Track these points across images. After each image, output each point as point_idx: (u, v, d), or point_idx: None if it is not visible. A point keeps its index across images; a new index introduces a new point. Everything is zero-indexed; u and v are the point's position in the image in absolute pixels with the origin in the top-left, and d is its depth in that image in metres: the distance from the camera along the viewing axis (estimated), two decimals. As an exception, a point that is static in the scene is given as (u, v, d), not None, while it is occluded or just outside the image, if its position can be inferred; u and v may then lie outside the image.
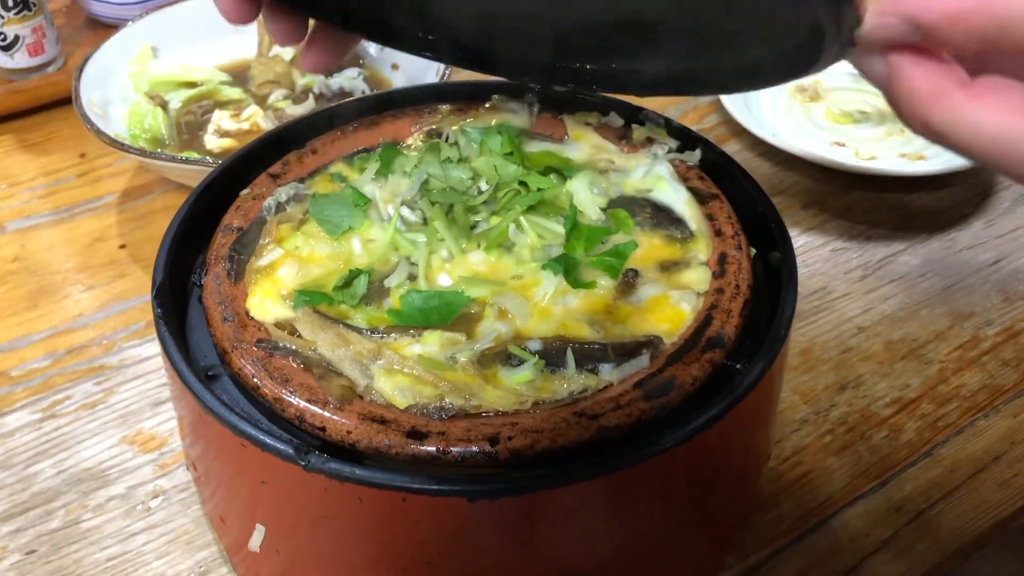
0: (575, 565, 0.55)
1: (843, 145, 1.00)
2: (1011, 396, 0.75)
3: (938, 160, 0.97)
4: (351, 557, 0.55)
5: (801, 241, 0.91)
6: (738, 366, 0.59)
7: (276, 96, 0.99)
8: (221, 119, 0.95)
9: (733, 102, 1.02)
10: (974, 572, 0.67)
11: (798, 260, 0.88)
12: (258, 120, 0.95)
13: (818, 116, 1.05)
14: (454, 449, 0.53)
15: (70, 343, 0.81)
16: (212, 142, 0.94)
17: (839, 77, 1.10)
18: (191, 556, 0.65)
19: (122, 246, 0.91)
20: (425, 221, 0.67)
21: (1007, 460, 0.71)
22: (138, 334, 0.82)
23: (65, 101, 1.09)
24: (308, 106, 0.97)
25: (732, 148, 1.04)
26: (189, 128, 0.96)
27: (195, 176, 0.85)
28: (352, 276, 0.62)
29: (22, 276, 0.88)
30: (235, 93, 1.01)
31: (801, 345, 0.80)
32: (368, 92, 1.01)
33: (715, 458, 0.58)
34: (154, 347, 0.81)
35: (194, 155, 0.89)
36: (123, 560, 0.65)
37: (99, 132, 0.84)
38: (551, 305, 0.61)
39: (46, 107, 1.09)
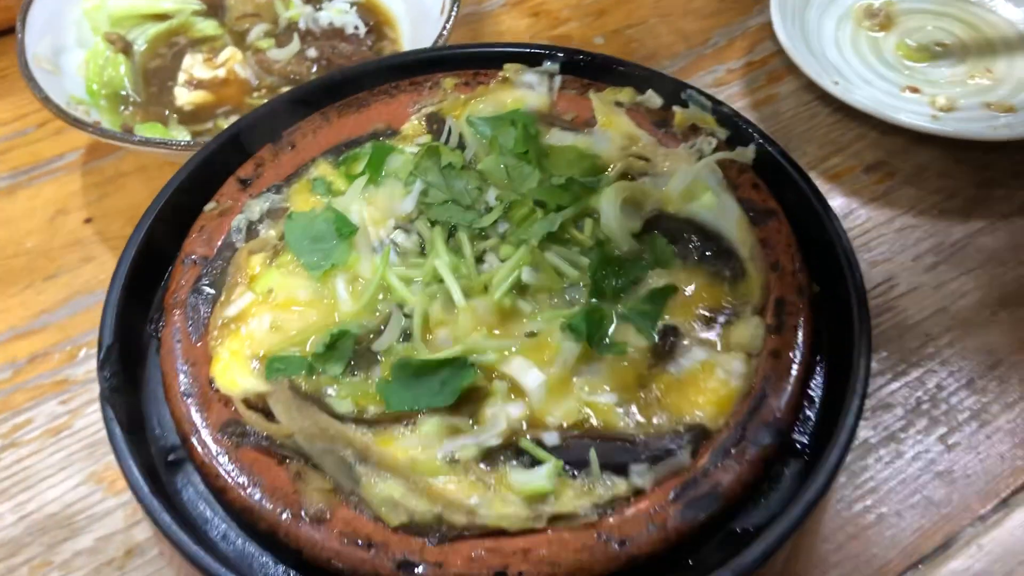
0: None
1: (917, 91, 0.86)
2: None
3: (1029, 113, 0.82)
4: None
5: (862, 217, 0.79)
6: (799, 447, 0.49)
7: (256, 33, 0.86)
8: (193, 66, 0.82)
9: (788, 31, 0.87)
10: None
11: (861, 242, 0.78)
12: (236, 67, 0.82)
13: (888, 50, 0.90)
14: (454, 585, 0.44)
15: (32, 348, 0.73)
16: (183, 96, 0.81)
17: (915, -3, 0.94)
18: (170, 630, 0.58)
19: (88, 220, 0.81)
20: (423, 249, 0.56)
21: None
22: (106, 337, 0.73)
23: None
24: (293, 48, 0.84)
25: (788, 88, 0.90)
26: (157, 77, 0.83)
27: (162, 153, 0.73)
28: (335, 338, 0.52)
29: (-24, 259, 0.79)
30: (210, 28, 0.87)
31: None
32: (361, 26, 0.87)
33: (770, 572, 0.49)
34: (125, 354, 0.72)
35: (159, 129, 0.76)
36: (95, 635, 0.58)
37: (47, 101, 0.72)
38: (572, 377, 0.51)
39: (-1, 36, 0.95)
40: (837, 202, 0.80)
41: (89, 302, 0.75)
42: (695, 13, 0.98)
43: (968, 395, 0.68)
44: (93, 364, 0.71)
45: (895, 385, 0.68)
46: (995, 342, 0.70)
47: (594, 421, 0.49)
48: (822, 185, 0.79)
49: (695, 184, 0.59)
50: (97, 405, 0.68)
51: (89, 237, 0.80)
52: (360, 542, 0.45)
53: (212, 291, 0.55)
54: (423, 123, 0.64)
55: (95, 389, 0.69)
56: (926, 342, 0.71)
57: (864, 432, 0.66)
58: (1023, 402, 0.67)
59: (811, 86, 0.88)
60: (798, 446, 0.50)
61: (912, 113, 0.82)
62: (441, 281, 0.54)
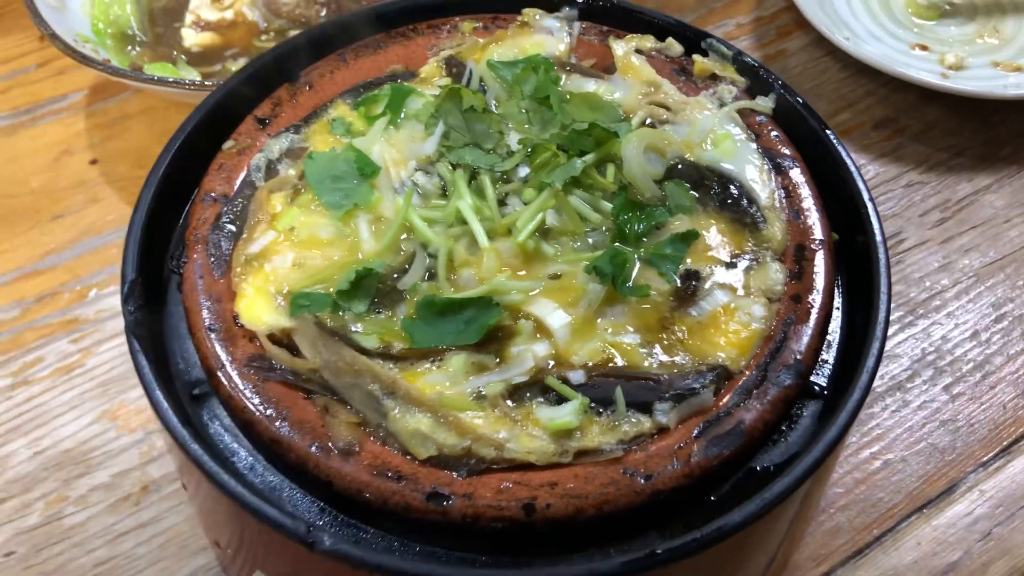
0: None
1: (926, 48, 0.86)
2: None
3: (1037, 72, 0.83)
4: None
5: (872, 172, 0.80)
6: (818, 388, 0.50)
7: (265, -28, 0.84)
8: (200, 6, 0.81)
9: (800, -14, 0.87)
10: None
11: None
12: (244, 8, 0.81)
13: (898, 8, 0.90)
14: (483, 516, 0.45)
15: (39, 288, 0.72)
16: (190, 37, 0.80)
17: (925, -46, 0.94)
18: (186, 564, 0.59)
19: (93, 161, 0.80)
20: (444, 191, 0.56)
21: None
22: (115, 279, 0.73)
23: (18, -36, 0.94)
24: (304, -11, 0.82)
25: (797, 43, 0.90)
26: (163, 17, 0.82)
27: (172, 92, 0.72)
28: (360, 276, 0.52)
29: (-19, 199, 0.78)
30: (216, -33, 0.86)
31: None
32: (374, -31, 0.86)
33: (787, 512, 0.50)
34: (135, 295, 0.72)
35: (168, 68, 0.75)
36: (112, 566, 0.59)
37: (55, 38, 0.71)
38: (596, 318, 0.51)
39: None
40: (845, 157, 0.80)
41: (96, 243, 0.75)
42: (705, -34, 0.98)
43: (972, 347, 0.69)
44: (103, 304, 0.71)
45: (901, 336, 0.70)
46: (999, 296, 0.72)
47: (618, 361, 0.50)
48: (831, 140, 0.80)
49: (716, 132, 0.60)
50: (109, 344, 0.69)
51: (95, 179, 0.79)
52: (390, 474, 0.46)
53: (233, 228, 0.55)
54: (442, 66, 0.64)
55: (106, 329, 0.70)
56: (932, 295, 0.72)
57: (871, 381, 0.67)
58: (1020, 354, 0.69)
59: (821, 41, 0.88)
60: (817, 388, 0.51)
61: (921, 70, 0.83)
62: (464, 223, 0.54)
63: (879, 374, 0.68)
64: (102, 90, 0.85)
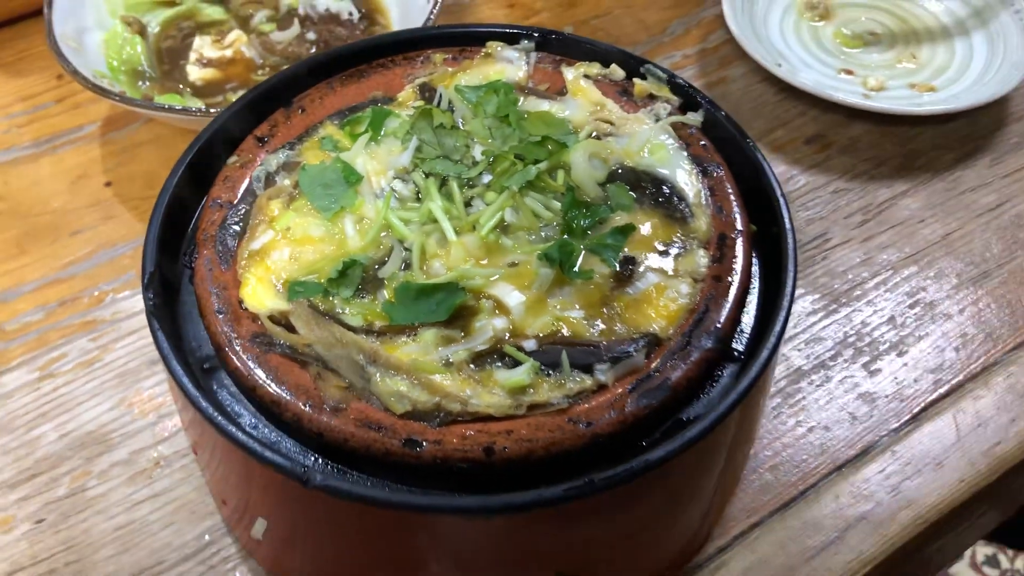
0: (568, 566, 0.57)
1: (851, 73, 0.97)
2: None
3: (947, 92, 0.93)
4: (352, 555, 0.57)
5: (802, 181, 0.89)
6: (736, 353, 0.59)
7: (260, 18, 0.95)
8: (203, 46, 0.91)
9: (738, 21, 0.98)
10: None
11: (799, 203, 0.88)
12: (242, 47, 0.91)
13: (827, 38, 1.01)
14: (450, 459, 0.53)
15: (61, 294, 0.81)
16: (194, 73, 0.90)
17: (851, -9, 1.05)
18: (196, 525, 0.67)
19: (108, 183, 0.89)
20: (418, 196, 0.66)
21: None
22: (129, 284, 0.82)
23: (35, 14, 1.04)
24: (293, 31, 0.93)
25: (737, 71, 1.00)
26: (170, 56, 0.92)
27: (179, 119, 0.82)
28: (346, 266, 0.61)
29: (8, 218, 0.87)
30: (216, 13, 0.96)
31: (799, 298, 0.80)
32: (355, 12, 0.96)
33: (708, 457, 0.59)
34: (147, 299, 0.80)
35: (177, 98, 0.85)
36: (131, 530, 0.67)
37: (76, 74, 0.80)
38: (547, 297, 0.60)
39: (15, 21, 1.03)
40: (780, 169, 0.90)
41: (112, 255, 0.84)
42: (655, 5, 1.08)
43: (888, 330, 0.78)
44: (118, 307, 0.80)
45: (826, 322, 0.79)
46: (913, 285, 0.81)
47: (565, 332, 0.59)
48: (768, 154, 0.90)
49: (652, 142, 0.69)
50: (124, 342, 0.78)
51: (109, 199, 0.88)
52: (372, 426, 0.54)
53: (237, 229, 0.64)
54: (416, 91, 0.74)
55: (122, 328, 0.79)
56: (854, 286, 0.81)
57: (798, 360, 0.76)
58: (932, 336, 0.78)
59: (758, 69, 0.98)
60: (736, 353, 0.60)
61: (847, 92, 0.93)
62: (435, 221, 0.63)
63: (806, 354, 0.77)
64: (114, 122, 0.94)
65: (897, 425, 0.73)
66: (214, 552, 0.66)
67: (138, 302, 0.80)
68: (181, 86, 0.89)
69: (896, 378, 0.75)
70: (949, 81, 0.95)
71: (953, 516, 0.70)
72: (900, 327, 0.79)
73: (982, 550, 1.94)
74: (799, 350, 0.77)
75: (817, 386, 0.75)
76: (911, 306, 0.80)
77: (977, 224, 0.86)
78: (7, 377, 0.76)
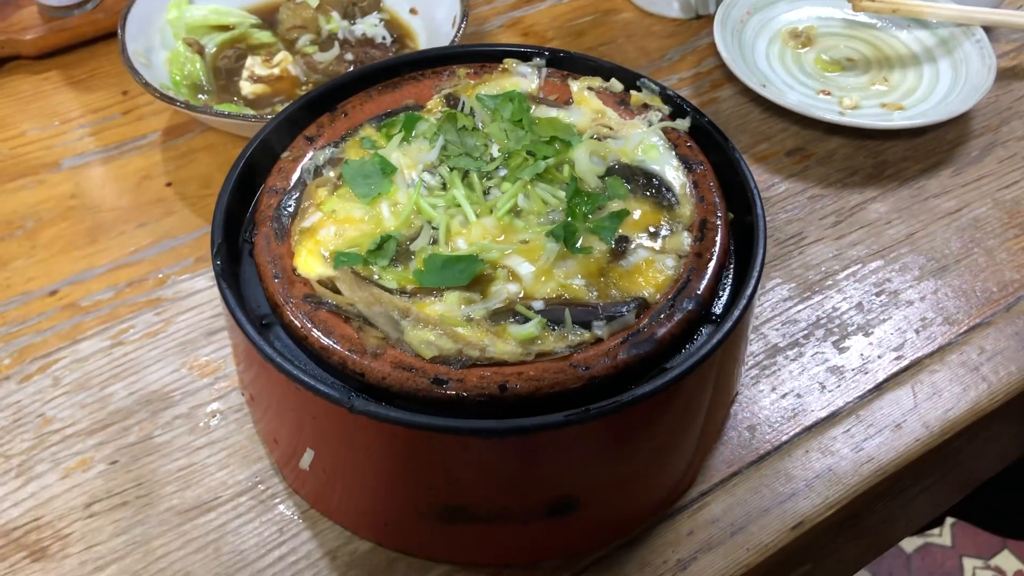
0: (569, 488, 0.67)
1: (829, 94, 1.08)
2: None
3: (914, 111, 1.05)
4: (386, 477, 0.68)
5: (783, 188, 1.00)
6: (714, 317, 0.70)
7: (303, 41, 1.07)
8: (254, 65, 1.03)
9: (729, 48, 1.09)
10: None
11: (779, 207, 0.99)
12: (288, 66, 1.03)
13: (808, 63, 1.12)
14: (471, 393, 0.64)
15: (129, 276, 0.92)
16: (247, 88, 1.02)
17: (832, 23, 1.17)
18: (248, 468, 0.78)
19: (168, 184, 1.01)
20: (444, 186, 0.77)
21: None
22: (188, 269, 0.93)
23: (103, 38, 1.17)
24: (334, 52, 1.05)
25: (727, 92, 1.11)
26: (225, 73, 1.04)
27: (234, 125, 0.94)
28: (383, 241, 0.72)
29: (80, 212, 0.98)
30: (265, 36, 1.08)
31: (777, 287, 0.91)
32: (388, 36, 1.08)
33: (688, 401, 0.69)
34: (204, 281, 0.92)
35: (232, 107, 0.97)
36: (191, 471, 0.77)
37: (147, 85, 0.93)
38: (553, 268, 0.71)
39: (86, 44, 1.16)
40: (763, 177, 1.01)
41: (173, 244, 0.95)
42: (656, 35, 1.20)
43: (856, 314, 0.89)
44: (179, 287, 0.91)
45: (800, 307, 0.89)
46: (880, 277, 0.91)
47: (568, 296, 0.70)
48: (752, 164, 1.02)
49: (645, 143, 0.80)
50: (184, 316, 0.89)
51: (170, 197, 1.00)
52: (405, 367, 0.65)
53: (290, 210, 0.76)
54: (443, 100, 0.85)
55: (182, 305, 0.90)
56: (826, 276, 0.92)
57: (775, 339, 0.87)
58: (895, 319, 0.88)
59: (746, 91, 1.09)
60: (714, 316, 0.71)
61: (824, 110, 1.04)
62: (458, 206, 0.75)
63: (782, 334, 0.87)
64: (173, 131, 1.06)
65: (861, 393, 0.82)
66: (264, 490, 0.76)
67: (196, 283, 0.92)
68: (235, 98, 1.01)
69: (862, 354, 0.85)
70: (917, 101, 1.06)
71: (909, 472, 0.79)
72: (867, 312, 0.89)
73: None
74: (776, 330, 0.87)
75: (791, 360, 0.85)
76: (877, 294, 0.90)
77: (939, 225, 0.96)
78: (83, 344, 0.87)
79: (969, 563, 2.18)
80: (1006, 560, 2.20)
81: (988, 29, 1.13)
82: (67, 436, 0.80)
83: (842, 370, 0.84)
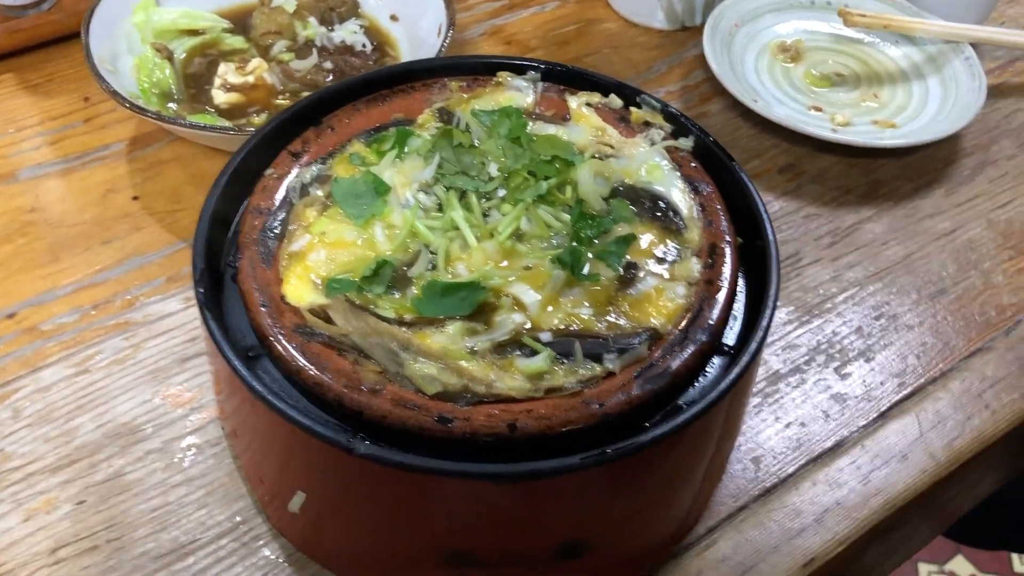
0: (578, 531, 0.64)
1: (820, 110, 1.06)
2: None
3: (906, 129, 1.03)
4: (386, 522, 0.63)
5: (777, 207, 0.98)
6: (726, 348, 0.67)
7: (279, 48, 1.02)
8: (227, 72, 0.98)
9: (718, 61, 1.07)
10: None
11: (774, 225, 0.96)
12: (264, 74, 0.98)
13: (797, 78, 1.10)
14: (478, 433, 0.60)
15: (94, 298, 0.86)
16: (219, 97, 0.96)
17: (820, 38, 1.15)
18: (228, 507, 0.73)
19: (135, 197, 0.95)
20: (440, 207, 0.73)
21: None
22: (159, 290, 0.87)
23: (62, 39, 1.10)
24: (312, 60, 1.00)
25: (716, 106, 1.09)
26: (196, 81, 0.98)
27: (208, 138, 0.88)
28: (378, 266, 0.67)
29: (41, 228, 0.92)
30: (237, 42, 1.03)
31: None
32: (368, 44, 1.04)
33: (703, 438, 0.66)
34: (176, 303, 0.86)
35: (207, 118, 0.92)
36: (166, 511, 0.72)
37: (115, 94, 0.87)
38: (559, 296, 0.67)
39: (43, 45, 1.10)
40: (756, 195, 0.99)
41: (141, 262, 0.89)
42: (641, 46, 1.18)
43: (857, 338, 0.87)
44: (149, 310, 0.86)
45: (800, 331, 0.87)
46: (878, 300, 0.90)
47: (576, 326, 0.66)
48: (745, 182, 0.99)
49: (649, 163, 0.77)
50: (155, 341, 0.84)
51: (137, 211, 0.94)
52: (407, 404, 0.61)
53: (277, 233, 0.71)
54: (435, 114, 0.81)
55: (152, 329, 0.85)
56: (824, 300, 0.89)
57: (776, 364, 0.84)
58: (896, 344, 0.86)
59: (736, 105, 1.07)
60: (726, 348, 0.68)
61: (816, 127, 1.02)
62: (457, 229, 0.71)
63: (783, 359, 0.85)
64: (140, 141, 1.00)
65: (866, 422, 0.80)
66: (246, 531, 0.71)
67: (168, 305, 0.86)
68: (208, 108, 0.95)
69: (864, 381, 0.83)
70: (908, 119, 1.05)
71: (916, 503, 0.77)
72: (867, 336, 0.87)
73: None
74: (776, 355, 0.85)
75: (794, 387, 0.82)
76: (876, 318, 0.88)
77: (934, 247, 0.95)
78: (45, 372, 0.81)
79: (924, 568, 2.20)
80: (960, 565, 2.22)
81: (974, 46, 1.12)
82: (29, 474, 0.74)
83: (845, 397, 0.82)
